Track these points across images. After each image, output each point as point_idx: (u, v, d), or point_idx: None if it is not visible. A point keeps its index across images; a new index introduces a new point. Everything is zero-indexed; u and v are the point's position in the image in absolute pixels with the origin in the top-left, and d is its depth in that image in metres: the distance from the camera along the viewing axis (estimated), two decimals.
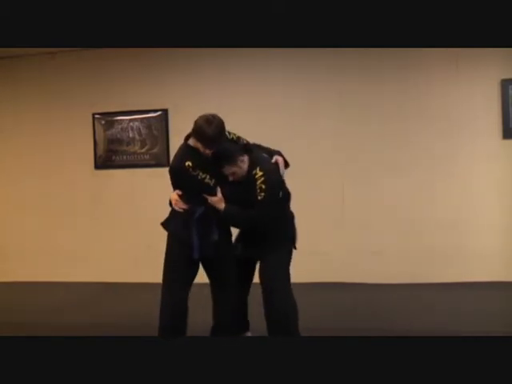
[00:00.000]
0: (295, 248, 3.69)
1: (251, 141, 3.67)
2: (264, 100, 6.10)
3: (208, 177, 3.39)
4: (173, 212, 3.62)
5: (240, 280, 3.72)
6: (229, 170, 3.41)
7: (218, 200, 3.42)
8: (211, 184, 3.40)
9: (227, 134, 3.51)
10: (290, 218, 3.71)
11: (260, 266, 3.63)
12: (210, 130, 3.26)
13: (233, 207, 3.41)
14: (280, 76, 6.10)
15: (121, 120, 6.51)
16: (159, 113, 6.40)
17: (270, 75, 6.12)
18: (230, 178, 3.44)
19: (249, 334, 3.93)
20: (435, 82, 5.75)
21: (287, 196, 3.69)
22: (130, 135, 6.49)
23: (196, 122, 3.33)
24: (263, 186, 3.33)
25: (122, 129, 6.51)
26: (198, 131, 3.32)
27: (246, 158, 3.45)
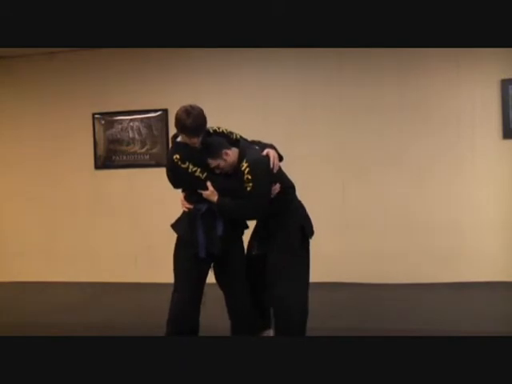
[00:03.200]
0: (310, 237, 3.66)
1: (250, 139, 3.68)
2: (263, 100, 6.11)
3: (199, 170, 3.40)
4: (182, 213, 3.63)
5: (261, 277, 3.68)
6: (214, 163, 3.42)
7: (210, 193, 3.41)
8: (202, 177, 3.41)
9: (216, 129, 3.55)
10: (297, 208, 3.68)
11: (268, 266, 3.57)
12: (189, 120, 3.29)
13: (225, 199, 3.41)
14: (280, 76, 6.10)
15: (121, 120, 6.51)
16: (159, 113, 6.39)
17: (270, 75, 6.12)
18: (217, 171, 3.46)
19: (270, 331, 3.90)
20: (436, 81, 5.76)
21: (290, 188, 3.67)
22: (130, 135, 6.49)
23: (176, 114, 3.37)
24: (249, 177, 3.34)
25: (121, 129, 6.51)
26: (178, 122, 3.36)
27: (231, 151, 3.46)
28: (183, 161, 3.37)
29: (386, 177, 5.85)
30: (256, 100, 6.12)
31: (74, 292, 6.07)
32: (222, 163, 3.43)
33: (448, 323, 4.41)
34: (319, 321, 4.17)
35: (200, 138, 3.39)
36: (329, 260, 5.68)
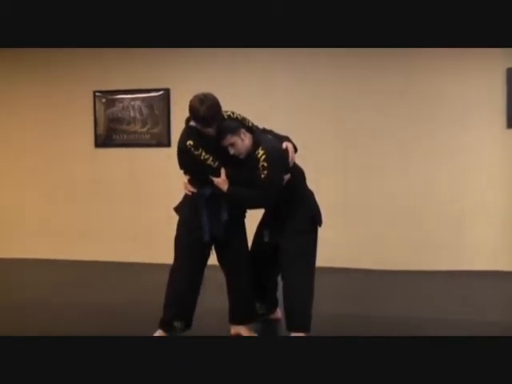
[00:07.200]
0: (320, 225, 3.71)
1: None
2: (268, 88, 6.06)
3: (211, 158, 3.39)
4: (184, 196, 3.65)
5: (269, 262, 3.77)
6: (230, 139, 3.39)
7: (221, 181, 3.43)
8: (214, 166, 3.41)
9: (231, 114, 3.52)
10: (307, 196, 3.72)
11: (279, 254, 3.63)
12: (202, 109, 3.27)
13: (236, 188, 3.43)
14: (285, 67, 6.06)
15: (122, 99, 6.47)
16: (161, 92, 6.35)
17: (274, 68, 6.07)
18: (231, 151, 3.42)
19: (278, 313, 4.06)
20: (440, 70, 5.69)
21: (300, 174, 3.70)
22: (131, 114, 6.45)
23: (190, 103, 3.35)
24: (265, 164, 3.35)
25: (123, 107, 6.47)
26: (192, 112, 3.35)
27: (248, 136, 3.47)
28: (196, 147, 3.38)
29: (387, 165, 5.83)
30: (260, 87, 6.06)
31: (73, 270, 6.11)
32: (239, 142, 3.41)
33: (448, 310, 4.46)
34: (319, 306, 4.18)
35: (214, 129, 3.36)
36: (330, 246, 5.67)
